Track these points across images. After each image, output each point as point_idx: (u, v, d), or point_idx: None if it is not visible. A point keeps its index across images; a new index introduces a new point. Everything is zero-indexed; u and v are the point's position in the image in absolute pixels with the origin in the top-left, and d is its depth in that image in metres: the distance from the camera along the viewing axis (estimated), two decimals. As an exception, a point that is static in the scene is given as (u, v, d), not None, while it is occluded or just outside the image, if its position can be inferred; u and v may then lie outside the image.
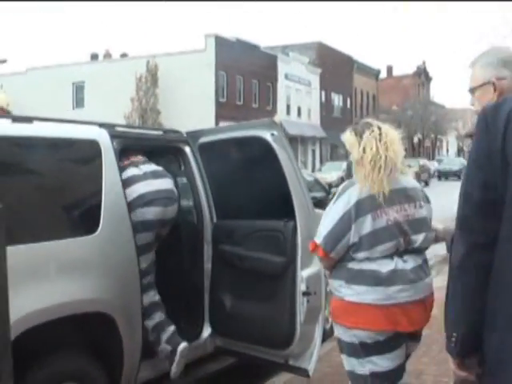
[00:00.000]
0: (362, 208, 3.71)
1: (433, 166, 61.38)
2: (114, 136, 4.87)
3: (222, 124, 40.04)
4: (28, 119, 4.50)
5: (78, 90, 51.61)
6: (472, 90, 3.21)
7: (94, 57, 56.12)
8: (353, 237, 3.70)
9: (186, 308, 5.73)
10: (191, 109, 44.09)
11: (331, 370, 6.15)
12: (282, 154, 5.08)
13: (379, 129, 3.87)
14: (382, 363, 3.78)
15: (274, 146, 5.06)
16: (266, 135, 5.11)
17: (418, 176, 40.78)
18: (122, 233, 4.63)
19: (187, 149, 5.68)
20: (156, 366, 5.08)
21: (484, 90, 3.10)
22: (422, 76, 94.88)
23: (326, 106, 64.21)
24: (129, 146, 5.09)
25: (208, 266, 5.66)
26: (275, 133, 5.09)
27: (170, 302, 5.35)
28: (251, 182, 5.58)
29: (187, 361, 5.21)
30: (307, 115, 59.49)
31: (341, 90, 67.93)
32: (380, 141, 3.80)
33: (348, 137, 3.94)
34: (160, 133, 5.98)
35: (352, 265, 3.76)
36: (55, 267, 4.09)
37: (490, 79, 3.08)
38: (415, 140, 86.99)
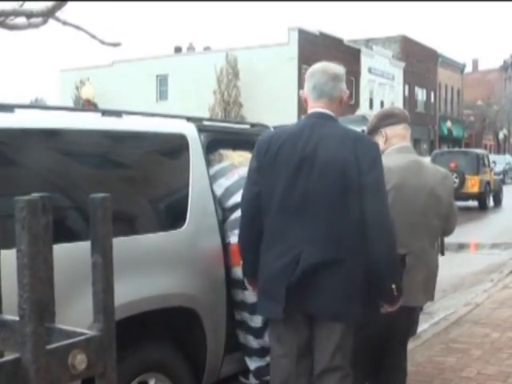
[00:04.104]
0: None
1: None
2: (201, 130, 4.85)
3: (304, 118, 39.86)
4: (117, 113, 4.52)
5: (162, 82, 52.33)
6: None
7: (178, 50, 56.74)
8: None
9: None
10: (274, 102, 44.20)
11: (414, 369, 6.08)
12: None
13: None
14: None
15: None
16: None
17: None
18: (209, 227, 4.61)
19: (274, 143, 5.62)
20: (240, 361, 5.05)
21: None
22: (509, 70, 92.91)
23: (409, 101, 63.52)
24: (216, 140, 5.07)
25: None
26: (366, 129, 5.00)
27: None
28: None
29: None
30: (390, 110, 58.86)
31: (425, 85, 67.14)
32: None
33: None
34: (247, 126, 5.95)
35: None
36: (141, 261, 4.09)
37: None
38: (500, 136, 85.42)
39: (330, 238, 3.66)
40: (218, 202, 4.78)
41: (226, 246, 4.65)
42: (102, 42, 7.86)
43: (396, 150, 4.32)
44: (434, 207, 4.26)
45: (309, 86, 3.92)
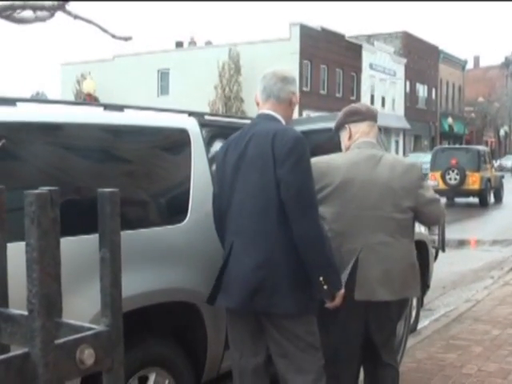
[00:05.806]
0: None
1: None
2: (203, 125, 4.85)
3: (306, 113, 39.93)
4: (119, 107, 4.51)
5: (163, 77, 52.36)
6: None
7: (179, 44, 56.71)
8: None
9: None
10: (274, 97, 44.12)
11: (414, 366, 6.10)
12: None
13: None
14: None
15: None
16: None
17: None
18: (209, 222, 4.60)
19: (276, 138, 5.61)
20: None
21: None
22: (511, 67, 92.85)
23: (410, 97, 63.58)
24: (217, 135, 5.07)
25: None
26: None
27: None
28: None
29: None
30: (391, 106, 58.93)
31: (426, 81, 67.15)
32: None
33: None
34: (248, 121, 5.93)
35: None
36: (142, 255, 4.08)
37: None
38: (501, 133, 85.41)
39: (257, 233, 3.79)
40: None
41: None
42: (114, 36, 7.78)
43: (355, 145, 4.41)
44: (390, 200, 4.22)
45: (259, 89, 4.06)
